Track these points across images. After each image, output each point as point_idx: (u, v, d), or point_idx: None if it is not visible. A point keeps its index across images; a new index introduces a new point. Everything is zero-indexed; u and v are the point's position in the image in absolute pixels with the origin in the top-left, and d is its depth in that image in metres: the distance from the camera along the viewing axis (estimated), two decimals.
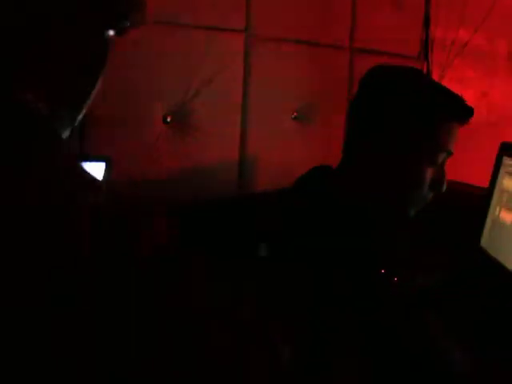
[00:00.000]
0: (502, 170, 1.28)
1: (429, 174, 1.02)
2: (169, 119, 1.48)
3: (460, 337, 1.07)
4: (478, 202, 1.35)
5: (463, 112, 1.03)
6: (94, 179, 0.46)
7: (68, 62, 0.49)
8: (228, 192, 1.59)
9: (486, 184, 1.33)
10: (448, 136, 1.03)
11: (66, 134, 0.51)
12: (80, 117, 0.53)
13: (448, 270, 1.22)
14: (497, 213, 1.30)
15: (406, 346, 0.99)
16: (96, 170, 1.19)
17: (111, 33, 0.53)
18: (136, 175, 1.40)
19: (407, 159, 1.01)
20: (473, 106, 1.03)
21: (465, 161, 1.06)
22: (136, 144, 1.42)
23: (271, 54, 1.67)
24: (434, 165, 1.03)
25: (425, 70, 2.00)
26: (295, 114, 1.74)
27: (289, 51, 1.71)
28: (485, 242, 1.31)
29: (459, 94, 1.03)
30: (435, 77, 1.93)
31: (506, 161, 1.28)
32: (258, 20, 1.63)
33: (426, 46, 2.07)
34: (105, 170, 1.21)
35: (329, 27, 1.80)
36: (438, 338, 1.03)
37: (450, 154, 1.04)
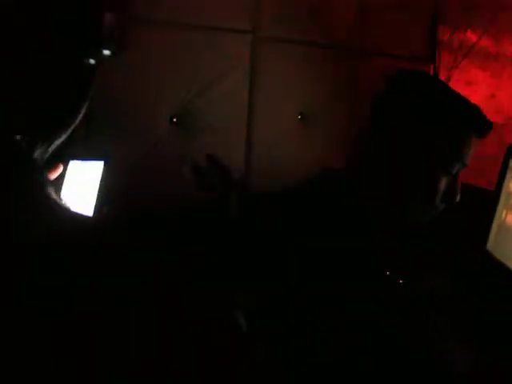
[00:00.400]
0: (509, 173, 1.28)
1: (442, 184, 1.02)
2: (174, 119, 1.48)
3: (462, 337, 1.07)
4: (485, 204, 1.34)
5: (482, 125, 1.03)
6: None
7: (47, 92, 0.49)
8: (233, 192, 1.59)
9: (492, 187, 1.32)
10: (465, 148, 1.03)
11: (40, 155, 0.51)
12: (58, 142, 0.52)
13: (453, 272, 1.21)
14: (503, 216, 1.29)
15: (406, 345, 0.98)
16: (95, 169, 1.20)
17: (91, 61, 0.52)
18: (141, 175, 1.40)
19: (421, 168, 1.01)
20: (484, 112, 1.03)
21: (471, 163, 1.06)
22: (141, 144, 1.42)
23: (278, 55, 1.67)
24: (449, 175, 1.02)
25: (432, 72, 1.99)
26: (301, 115, 1.74)
27: (295, 52, 1.71)
28: (491, 245, 1.31)
29: (478, 107, 1.02)
30: (442, 79, 1.92)
31: None
32: (265, 21, 1.62)
33: (433, 47, 2.06)
34: (103, 169, 1.21)
35: (335, 29, 1.80)
36: (439, 337, 1.03)
37: (465, 165, 1.04)
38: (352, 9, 1.83)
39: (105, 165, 1.23)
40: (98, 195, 1.21)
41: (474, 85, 1.93)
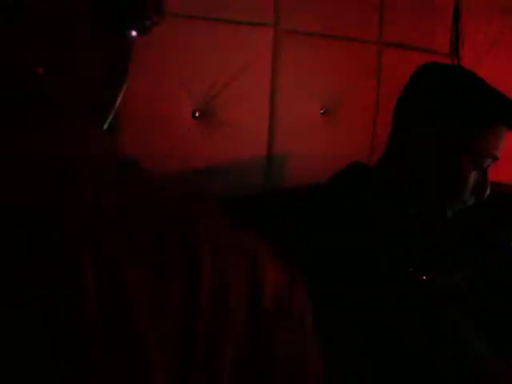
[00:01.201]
0: None
1: (472, 177, 1.01)
2: (197, 114, 1.49)
3: (485, 335, 1.06)
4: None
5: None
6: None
7: (92, 71, 0.48)
8: (255, 187, 1.59)
9: None
10: (496, 140, 1.01)
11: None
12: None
13: (478, 268, 1.20)
14: None
15: (406, 345, 0.98)
16: None
17: (133, 33, 0.51)
18: (164, 170, 1.41)
19: (451, 162, 1.00)
20: None
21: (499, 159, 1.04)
22: (165, 139, 1.43)
23: (300, 48, 1.66)
24: (479, 169, 1.01)
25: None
26: (324, 108, 1.73)
27: (317, 45, 1.70)
28: None
29: (509, 98, 1.01)
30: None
31: None
32: (287, 14, 1.61)
33: (456, 40, 2.03)
34: None
35: (358, 21, 1.78)
36: (462, 335, 1.02)
37: (496, 158, 1.02)
38: (374, 1, 1.82)
39: None
40: None
41: (498, 79, 1.90)
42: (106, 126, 0.51)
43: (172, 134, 1.45)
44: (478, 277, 1.17)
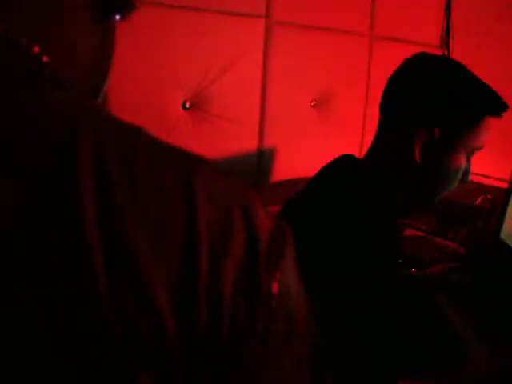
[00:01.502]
0: None
1: (462, 168, 1.02)
2: (188, 105, 1.48)
3: (475, 327, 1.07)
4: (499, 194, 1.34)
5: (500, 108, 1.02)
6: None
7: (78, 54, 0.48)
8: (246, 179, 1.59)
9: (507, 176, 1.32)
10: (485, 131, 1.02)
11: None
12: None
13: (467, 262, 1.21)
14: None
15: (406, 338, 0.98)
16: None
17: (117, 17, 0.51)
18: None
19: (445, 153, 1.01)
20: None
21: (485, 152, 1.05)
22: (155, 130, 1.42)
23: (291, 40, 1.65)
24: (468, 159, 1.03)
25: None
26: (314, 101, 1.73)
27: (309, 37, 1.70)
28: (504, 234, 1.31)
29: (492, 89, 1.02)
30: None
31: None
32: (278, 6, 1.61)
33: (447, 33, 2.04)
34: None
35: (348, 14, 1.78)
36: (452, 327, 1.03)
37: (481, 148, 1.04)
38: None
39: None
40: None
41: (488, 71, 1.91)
42: None
43: (162, 125, 1.44)
44: (467, 268, 1.18)
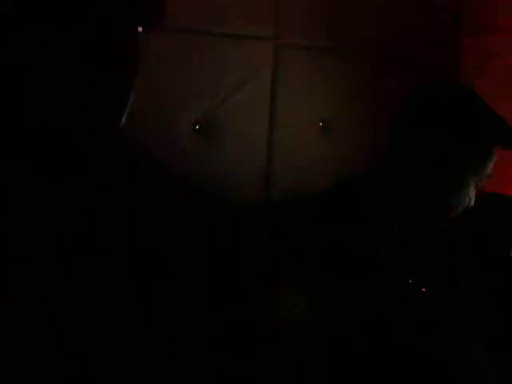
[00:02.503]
0: None
1: (469, 195, 1.02)
2: (197, 127, 1.49)
3: (492, 350, 1.05)
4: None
5: (508, 138, 1.03)
6: None
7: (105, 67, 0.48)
8: (255, 199, 1.59)
9: None
10: (494, 161, 1.03)
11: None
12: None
13: (480, 279, 1.20)
14: None
15: (406, 339, 0.98)
16: None
17: (140, 29, 0.52)
18: None
19: (454, 181, 1.01)
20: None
21: (498, 170, 1.05)
22: (165, 152, 1.43)
23: (299, 62, 1.67)
24: (476, 187, 1.03)
25: (454, 76, 1.98)
26: (323, 122, 1.73)
27: (316, 59, 1.71)
28: None
29: (502, 118, 1.02)
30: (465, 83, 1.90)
31: None
32: (287, 28, 1.63)
33: (454, 50, 2.04)
34: None
35: (356, 34, 1.79)
36: (470, 351, 1.02)
37: (489, 177, 1.04)
38: (372, 13, 1.82)
39: None
40: None
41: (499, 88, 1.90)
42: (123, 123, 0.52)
43: (172, 147, 1.46)
44: (479, 287, 1.17)
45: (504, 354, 1.06)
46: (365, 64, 1.83)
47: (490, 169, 1.03)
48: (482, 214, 1.10)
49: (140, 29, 0.52)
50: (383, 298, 0.97)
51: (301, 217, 1.09)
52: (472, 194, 1.03)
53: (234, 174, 1.56)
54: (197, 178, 1.47)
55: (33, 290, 0.38)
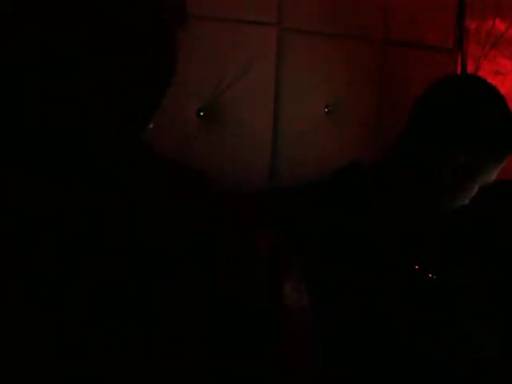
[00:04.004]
0: None
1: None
2: (202, 113, 1.49)
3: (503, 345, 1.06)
4: None
5: None
6: None
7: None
8: (260, 186, 1.59)
9: None
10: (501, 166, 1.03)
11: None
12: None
13: (489, 270, 1.20)
14: None
15: (405, 338, 0.98)
16: None
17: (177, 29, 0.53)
18: None
19: (464, 182, 1.02)
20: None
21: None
22: (169, 139, 1.43)
23: (304, 47, 1.66)
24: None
25: (459, 62, 1.97)
26: (327, 107, 1.73)
27: (320, 44, 1.70)
28: None
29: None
30: (470, 69, 1.90)
31: None
32: (290, 13, 1.62)
33: (460, 37, 2.03)
34: None
35: (360, 19, 1.78)
36: (481, 347, 1.02)
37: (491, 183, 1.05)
38: None
39: None
40: None
41: (501, 75, 1.90)
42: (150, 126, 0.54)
43: (177, 134, 1.46)
44: (485, 274, 1.17)
45: (506, 349, 1.06)
46: (368, 48, 1.82)
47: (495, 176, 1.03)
48: (485, 204, 1.10)
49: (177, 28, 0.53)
50: (386, 285, 0.98)
51: (304, 203, 1.10)
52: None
53: (239, 160, 1.56)
54: (201, 165, 1.48)
55: (33, 290, 0.38)
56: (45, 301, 0.39)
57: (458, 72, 1.89)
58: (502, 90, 1.06)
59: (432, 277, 1.07)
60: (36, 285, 0.39)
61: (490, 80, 1.09)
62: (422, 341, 0.98)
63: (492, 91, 1.04)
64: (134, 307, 0.42)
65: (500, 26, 1.96)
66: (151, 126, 0.53)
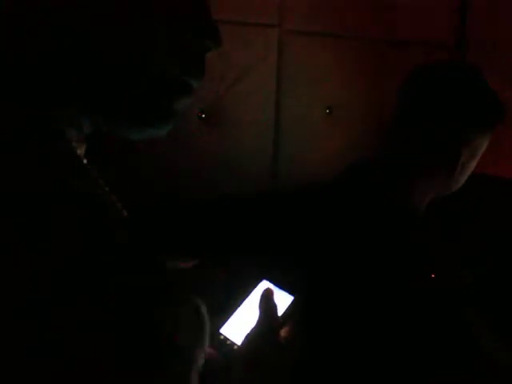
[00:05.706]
0: None
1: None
2: (203, 115, 1.49)
3: (503, 335, 1.05)
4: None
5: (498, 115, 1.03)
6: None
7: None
8: (262, 186, 1.59)
9: None
10: (487, 141, 1.04)
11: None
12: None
13: (488, 265, 1.20)
14: None
15: (410, 339, 0.98)
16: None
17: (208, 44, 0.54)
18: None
19: (457, 163, 1.01)
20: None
21: (504, 154, 1.05)
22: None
23: (305, 48, 1.66)
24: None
25: (461, 60, 1.96)
26: (329, 109, 1.73)
27: (322, 45, 1.70)
28: None
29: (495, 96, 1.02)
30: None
31: None
32: (291, 15, 1.62)
33: (461, 35, 2.02)
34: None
35: (361, 20, 1.78)
36: (481, 337, 1.02)
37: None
38: None
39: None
40: None
41: (506, 72, 1.89)
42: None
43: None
44: (489, 273, 1.17)
45: (508, 343, 1.06)
46: (370, 48, 1.82)
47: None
48: (481, 197, 1.11)
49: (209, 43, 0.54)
50: (391, 281, 0.98)
51: (308, 204, 1.10)
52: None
53: (241, 161, 1.56)
54: (202, 166, 1.48)
55: (33, 290, 0.38)
56: (45, 300, 0.38)
57: None
58: (507, 88, 1.06)
59: (435, 277, 1.06)
60: (36, 285, 0.39)
61: (493, 77, 1.09)
62: (421, 341, 0.97)
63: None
64: (133, 307, 0.42)
65: (500, 26, 1.96)
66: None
